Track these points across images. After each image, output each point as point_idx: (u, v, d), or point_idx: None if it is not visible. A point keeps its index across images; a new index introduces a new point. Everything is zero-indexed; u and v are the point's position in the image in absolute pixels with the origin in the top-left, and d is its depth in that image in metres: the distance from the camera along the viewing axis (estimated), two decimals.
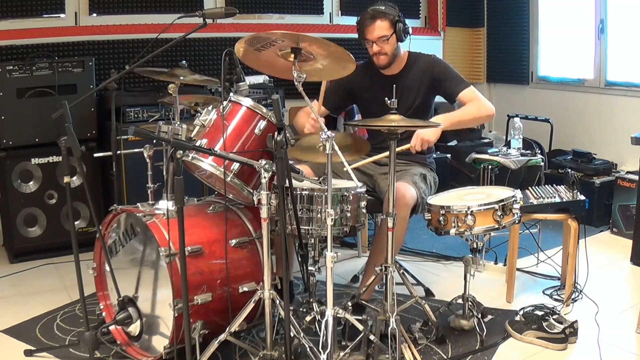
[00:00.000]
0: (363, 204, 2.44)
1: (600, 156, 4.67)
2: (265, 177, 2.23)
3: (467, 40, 5.96)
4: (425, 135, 2.80)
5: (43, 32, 4.05)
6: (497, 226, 2.62)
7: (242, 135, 2.47)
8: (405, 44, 3.11)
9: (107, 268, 2.62)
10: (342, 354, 2.40)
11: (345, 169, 2.38)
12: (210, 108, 2.54)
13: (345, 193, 2.37)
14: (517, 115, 4.37)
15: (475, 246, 2.78)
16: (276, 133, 2.13)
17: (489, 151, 3.93)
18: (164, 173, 2.58)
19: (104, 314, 2.74)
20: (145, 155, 2.73)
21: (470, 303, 2.85)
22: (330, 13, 5.15)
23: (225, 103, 2.49)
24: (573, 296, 3.11)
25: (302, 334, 2.34)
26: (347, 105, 3.25)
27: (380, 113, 2.53)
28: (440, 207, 2.63)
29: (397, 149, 2.83)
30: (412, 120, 2.73)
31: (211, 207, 2.61)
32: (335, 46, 2.40)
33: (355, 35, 3.06)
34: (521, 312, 2.86)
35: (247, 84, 2.67)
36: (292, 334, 2.23)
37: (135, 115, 3.86)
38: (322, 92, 3.07)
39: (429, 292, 3.28)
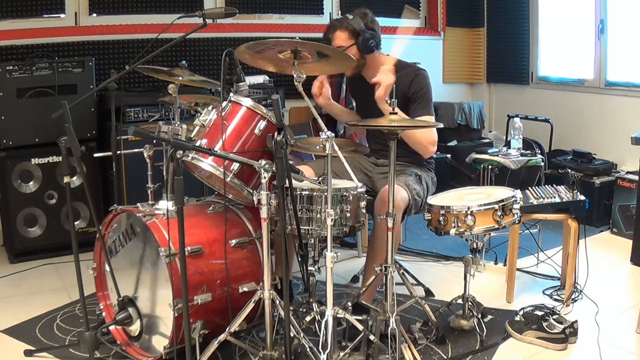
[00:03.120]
0: (363, 204, 2.44)
1: (600, 156, 4.67)
2: (265, 177, 2.23)
3: (467, 40, 5.96)
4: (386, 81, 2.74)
5: (43, 32, 4.05)
6: (497, 226, 2.62)
7: (242, 136, 2.47)
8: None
9: (107, 268, 2.62)
10: (342, 354, 2.40)
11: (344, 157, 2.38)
12: (210, 108, 2.54)
13: (345, 193, 2.37)
14: (517, 115, 4.38)
15: (475, 246, 2.78)
16: (276, 133, 2.13)
17: (489, 151, 3.94)
18: (164, 173, 2.58)
19: (104, 314, 2.74)
20: (145, 155, 2.73)
21: (470, 303, 2.85)
22: (330, 13, 5.15)
23: (225, 103, 2.49)
24: (573, 296, 3.11)
25: (302, 334, 2.34)
26: None
27: (365, 116, 2.49)
28: (440, 207, 2.64)
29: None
30: (412, 120, 2.73)
31: (211, 207, 2.61)
32: (334, 50, 2.42)
33: None
34: (521, 312, 2.86)
35: (247, 84, 2.67)
36: (292, 334, 2.23)
37: (135, 115, 3.86)
38: None
39: (429, 292, 3.28)
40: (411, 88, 2.95)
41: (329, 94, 3.03)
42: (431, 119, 2.96)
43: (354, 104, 3.21)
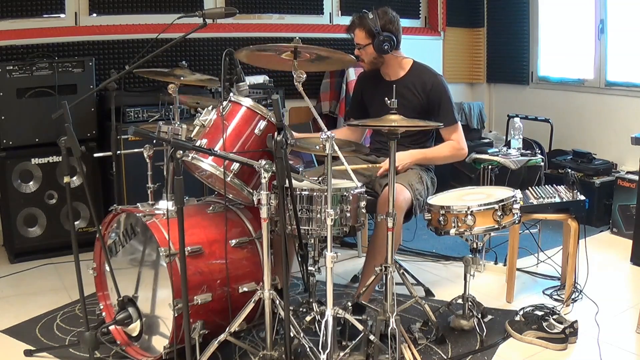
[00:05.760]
0: (363, 204, 2.44)
1: (600, 156, 4.67)
2: (265, 177, 2.23)
3: (467, 40, 5.96)
4: (399, 163, 2.84)
5: (43, 32, 4.05)
6: (497, 226, 2.62)
7: (242, 135, 2.47)
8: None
9: (107, 268, 2.62)
10: (342, 354, 2.40)
11: (344, 166, 2.39)
12: (210, 108, 2.54)
13: (345, 193, 2.37)
14: (517, 115, 4.38)
15: (475, 246, 2.78)
16: (276, 133, 2.13)
17: (489, 151, 3.93)
18: (164, 173, 2.58)
19: (104, 314, 2.74)
20: (145, 155, 2.73)
21: (470, 303, 2.85)
22: (330, 13, 5.15)
23: (225, 103, 2.49)
24: (573, 296, 3.11)
25: (302, 334, 2.34)
26: (367, 113, 3.27)
27: (374, 113, 2.52)
28: (440, 207, 2.64)
29: (365, 166, 2.96)
30: (412, 120, 2.73)
31: (211, 207, 2.61)
32: (334, 52, 2.44)
33: None
34: (521, 312, 2.86)
35: (247, 84, 2.67)
36: (292, 334, 2.23)
37: (135, 115, 3.86)
38: None
39: (429, 292, 3.28)
40: (430, 97, 3.00)
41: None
42: (458, 126, 3.04)
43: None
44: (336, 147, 2.25)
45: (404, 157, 2.91)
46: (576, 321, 2.71)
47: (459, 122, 3.06)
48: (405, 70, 3.07)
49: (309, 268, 2.50)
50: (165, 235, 2.33)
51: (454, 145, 3.04)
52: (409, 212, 2.84)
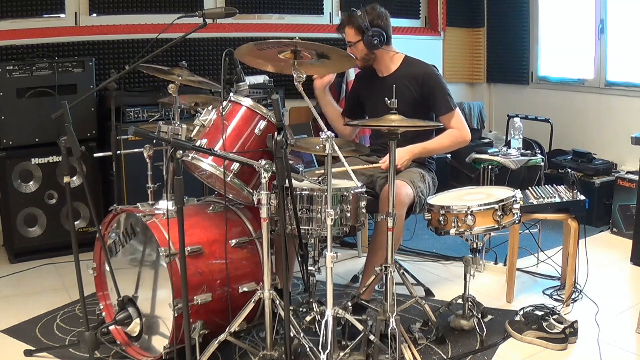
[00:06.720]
0: (363, 204, 2.44)
1: (600, 156, 4.67)
2: (265, 177, 2.23)
3: (467, 40, 5.96)
4: (398, 161, 2.82)
5: (43, 32, 4.05)
6: (497, 226, 2.62)
7: (242, 135, 2.47)
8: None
9: (107, 268, 2.62)
10: (342, 354, 2.40)
11: (345, 167, 2.39)
12: (210, 108, 2.54)
13: (345, 193, 2.37)
14: (517, 115, 4.38)
15: (475, 246, 2.78)
16: (276, 133, 2.13)
17: (489, 151, 3.93)
18: (164, 173, 2.58)
19: (104, 314, 2.74)
20: (145, 155, 2.73)
21: (470, 303, 2.85)
22: (330, 13, 5.15)
23: (225, 103, 2.49)
24: (573, 296, 3.11)
25: (302, 334, 2.34)
26: (363, 112, 3.27)
27: (374, 113, 2.53)
28: (440, 207, 2.64)
29: (367, 167, 2.96)
30: (412, 120, 2.73)
31: (211, 207, 2.61)
32: (334, 50, 2.44)
33: None
34: (521, 312, 2.86)
35: (247, 84, 2.67)
36: (292, 334, 2.23)
37: (135, 115, 3.86)
38: None
39: (429, 292, 3.28)
40: (424, 88, 2.99)
41: (329, 81, 3.15)
42: (456, 112, 3.02)
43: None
44: (336, 147, 2.25)
45: (402, 154, 2.87)
46: (576, 321, 2.71)
47: (457, 109, 3.04)
48: (397, 64, 3.08)
49: (309, 268, 2.50)
50: (165, 235, 2.33)
51: (453, 133, 3.00)
52: (408, 209, 2.84)
